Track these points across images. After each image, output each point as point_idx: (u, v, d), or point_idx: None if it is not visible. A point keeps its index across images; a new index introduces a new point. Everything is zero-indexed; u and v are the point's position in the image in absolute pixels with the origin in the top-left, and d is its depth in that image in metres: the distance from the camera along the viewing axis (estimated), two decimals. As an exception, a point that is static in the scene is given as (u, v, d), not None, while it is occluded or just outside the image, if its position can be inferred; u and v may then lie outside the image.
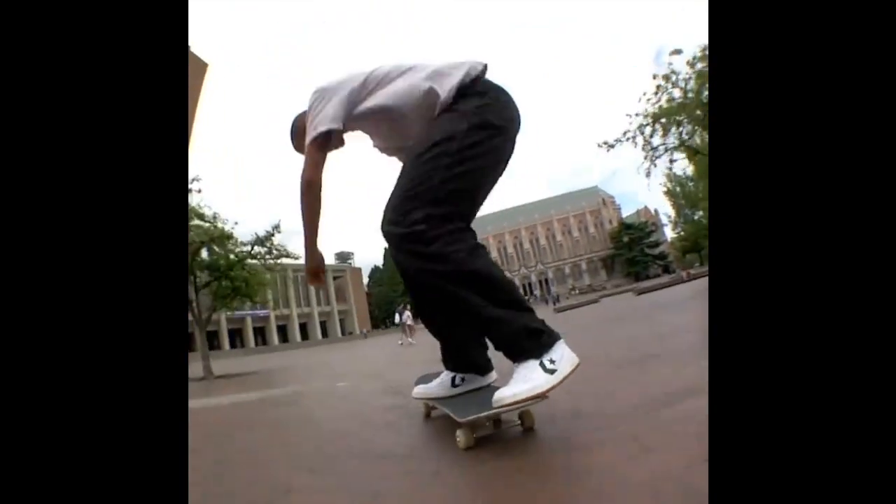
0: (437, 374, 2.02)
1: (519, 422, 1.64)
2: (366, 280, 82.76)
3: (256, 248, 14.08)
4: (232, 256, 13.56)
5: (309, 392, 4.37)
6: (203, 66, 52.02)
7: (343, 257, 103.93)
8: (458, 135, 1.60)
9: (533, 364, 1.45)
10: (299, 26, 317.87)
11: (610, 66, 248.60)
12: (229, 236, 13.40)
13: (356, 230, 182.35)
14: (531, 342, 1.48)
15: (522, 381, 1.43)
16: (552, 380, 1.41)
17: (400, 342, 13.16)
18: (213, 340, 52.59)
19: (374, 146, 1.99)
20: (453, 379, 1.93)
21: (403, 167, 1.69)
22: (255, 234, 14.06)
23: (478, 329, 1.71)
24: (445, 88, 1.66)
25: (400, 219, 1.57)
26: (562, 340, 1.51)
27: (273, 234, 14.03)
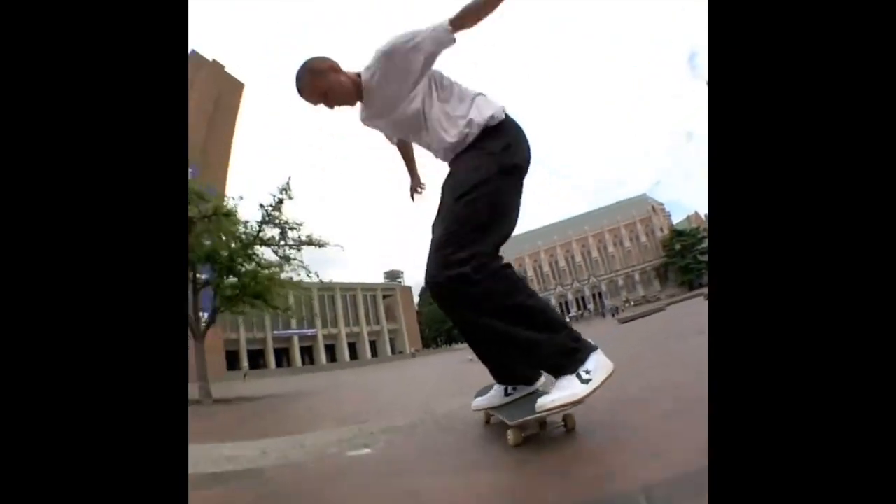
0: (492, 386, 2.13)
1: (563, 423, 1.77)
2: (416, 299, 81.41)
3: (266, 231, 10.97)
4: (234, 245, 10.47)
5: (291, 463, 2.23)
6: (239, 86, 52.60)
7: (393, 276, 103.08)
8: (493, 178, 1.76)
9: (570, 377, 1.61)
10: (299, 26, 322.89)
11: (639, 72, 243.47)
12: (229, 213, 10.20)
13: (405, 249, 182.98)
14: (567, 359, 1.64)
15: (562, 390, 1.59)
16: (587, 388, 1.57)
17: (470, 358, 11.01)
18: (258, 359, 52.18)
19: (364, 120, 2.10)
20: (506, 389, 2.05)
21: (443, 210, 1.86)
22: (260, 205, 10.87)
23: (520, 355, 1.79)
24: (477, 123, 1.83)
25: (445, 262, 1.68)
26: (598, 350, 1.67)
27: (282, 201, 10.91)
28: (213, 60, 48.79)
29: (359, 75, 1.89)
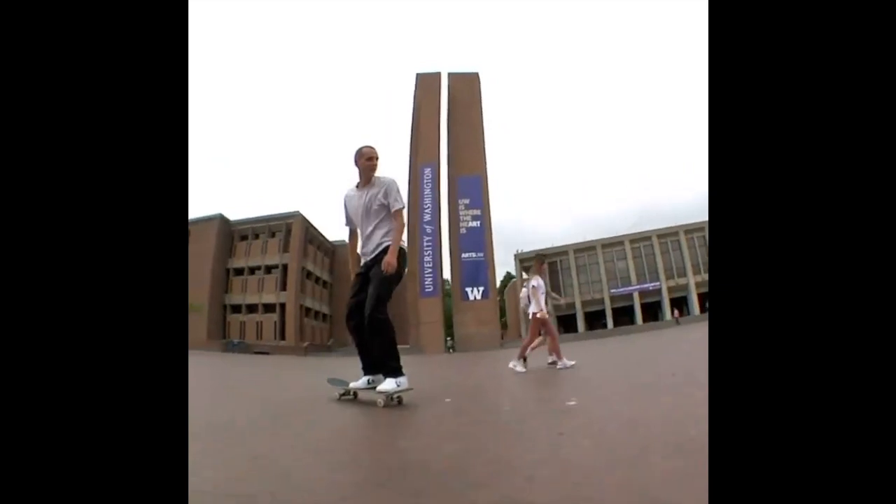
0: (350, 380, 4.38)
1: (396, 399, 3.80)
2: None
3: None
4: None
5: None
6: (475, 77, 49.64)
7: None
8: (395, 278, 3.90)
9: (392, 379, 3.75)
10: (299, 26, 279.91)
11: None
12: None
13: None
14: (394, 370, 3.77)
15: (389, 384, 3.74)
16: (399, 387, 3.74)
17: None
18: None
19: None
20: (368, 379, 4.11)
21: (375, 279, 3.94)
22: None
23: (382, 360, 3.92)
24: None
25: (377, 308, 3.82)
26: (405, 375, 3.83)
27: None
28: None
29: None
